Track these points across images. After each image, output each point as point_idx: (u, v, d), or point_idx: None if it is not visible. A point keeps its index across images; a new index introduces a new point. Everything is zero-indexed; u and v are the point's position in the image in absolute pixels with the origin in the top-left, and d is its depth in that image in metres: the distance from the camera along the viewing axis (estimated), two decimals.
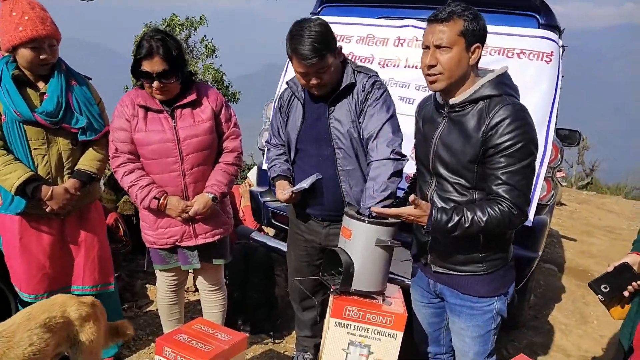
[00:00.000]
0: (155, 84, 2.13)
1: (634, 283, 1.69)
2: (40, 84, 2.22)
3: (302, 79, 2.04)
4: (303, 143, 2.20)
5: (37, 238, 2.29)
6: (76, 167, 2.30)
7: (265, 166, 2.38)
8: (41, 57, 2.12)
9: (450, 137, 1.71)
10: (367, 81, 2.08)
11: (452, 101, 1.70)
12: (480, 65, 2.63)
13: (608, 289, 1.73)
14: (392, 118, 2.09)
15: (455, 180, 1.72)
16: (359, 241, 1.86)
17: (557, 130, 4.14)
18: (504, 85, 1.68)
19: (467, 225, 1.61)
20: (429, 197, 1.82)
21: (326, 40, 1.94)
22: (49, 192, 2.19)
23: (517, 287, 2.72)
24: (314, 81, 2.00)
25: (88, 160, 2.32)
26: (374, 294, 1.91)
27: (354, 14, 3.27)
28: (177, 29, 9.57)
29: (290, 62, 2.07)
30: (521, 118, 1.59)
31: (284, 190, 2.16)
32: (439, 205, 1.75)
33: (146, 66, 2.10)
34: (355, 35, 3.19)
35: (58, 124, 2.20)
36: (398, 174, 2.03)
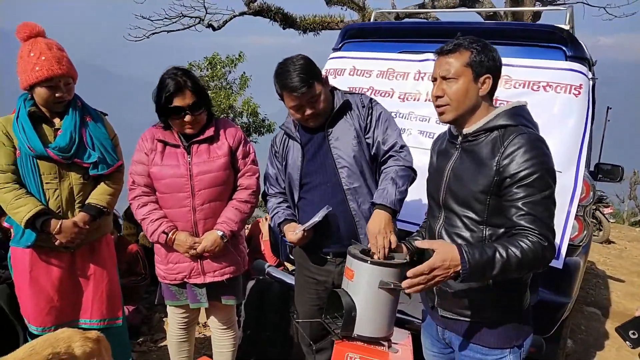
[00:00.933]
0: (187, 117, 2.17)
1: None
2: (56, 120, 2.30)
3: (296, 113, 2.05)
4: (307, 177, 2.17)
5: (47, 271, 2.32)
6: (87, 202, 2.35)
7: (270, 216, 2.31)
8: (57, 95, 2.21)
9: (463, 167, 1.62)
10: (361, 98, 2.15)
11: (465, 131, 1.64)
12: (504, 97, 2.58)
13: (637, 335, 1.56)
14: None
15: (464, 214, 1.61)
16: (362, 283, 1.76)
17: (599, 165, 3.95)
18: (520, 116, 1.60)
19: (504, 259, 1.41)
20: (436, 233, 1.71)
21: (311, 70, 2.00)
22: (58, 226, 2.23)
23: (547, 334, 2.54)
24: (308, 111, 2.02)
25: (98, 195, 2.37)
26: (379, 339, 1.79)
27: (375, 49, 3.26)
28: (219, 66, 9.98)
29: (283, 101, 2.09)
30: (538, 147, 1.50)
31: (294, 230, 2.08)
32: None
33: (177, 101, 2.15)
34: (375, 70, 3.17)
35: (70, 159, 2.26)
36: (412, 182, 2.07)
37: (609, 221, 8.05)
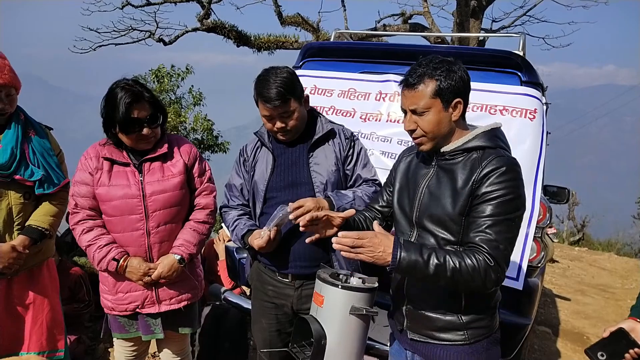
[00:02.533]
0: (145, 130, 2.02)
1: (631, 351, 1.56)
2: None
3: (267, 123, 2.04)
4: (273, 191, 2.08)
5: None
6: (27, 223, 2.15)
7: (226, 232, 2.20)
8: None
9: (439, 187, 1.60)
10: (344, 131, 2.16)
11: (443, 149, 1.62)
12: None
13: (605, 357, 1.60)
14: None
15: (440, 234, 1.58)
16: (332, 309, 1.68)
17: (545, 187, 4.10)
18: (497, 139, 1.61)
19: (439, 262, 1.43)
20: None
21: (291, 86, 1.97)
22: None
23: (509, 357, 2.54)
24: (278, 125, 2.00)
25: (40, 216, 2.17)
26: None
27: (336, 68, 3.24)
28: (166, 79, 9.72)
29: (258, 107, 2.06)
30: (513, 171, 1.51)
31: (259, 236, 1.94)
32: None
33: (136, 113, 1.98)
34: (336, 89, 3.15)
35: (9, 177, 2.07)
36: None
37: (552, 241, 8.41)
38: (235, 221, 2.14)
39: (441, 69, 1.54)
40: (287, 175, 2.07)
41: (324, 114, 3.10)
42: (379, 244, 1.46)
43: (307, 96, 2.11)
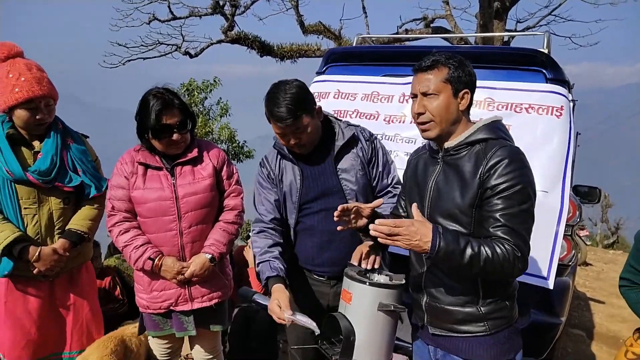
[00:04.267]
0: (175, 136, 2.10)
1: None
2: (36, 143, 2.21)
3: (281, 139, 2.01)
4: (308, 201, 2.09)
5: (24, 302, 2.19)
6: (67, 227, 2.24)
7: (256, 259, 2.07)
8: (37, 117, 2.13)
9: (447, 182, 1.62)
10: (362, 133, 2.14)
11: (447, 145, 1.64)
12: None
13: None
14: None
15: (451, 227, 1.60)
16: (360, 306, 1.70)
17: (576, 187, 4.03)
18: (499, 130, 1.63)
19: (473, 252, 1.45)
20: None
21: (301, 101, 1.92)
22: (37, 253, 2.11)
23: (541, 356, 2.51)
24: (292, 141, 1.97)
25: (79, 220, 2.26)
26: None
27: (359, 72, 3.29)
28: (196, 92, 9.99)
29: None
30: (518, 160, 1.52)
31: (282, 307, 1.81)
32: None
33: (166, 119, 2.07)
34: (360, 93, 3.19)
35: (50, 183, 2.17)
36: None
37: (585, 244, 8.20)
38: (263, 254, 2.01)
39: (453, 59, 1.60)
40: (317, 185, 2.08)
41: (348, 117, 3.16)
42: (415, 232, 1.46)
43: (320, 107, 2.05)
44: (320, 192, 2.08)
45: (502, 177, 1.50)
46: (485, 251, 1.46)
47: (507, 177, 1.49)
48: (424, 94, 1.61)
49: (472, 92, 1.63)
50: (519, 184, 1.49)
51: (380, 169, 2.14)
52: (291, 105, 1.89)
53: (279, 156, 2.13)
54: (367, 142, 2.11)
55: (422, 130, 1.66)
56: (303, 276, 2.19)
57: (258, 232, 2.09)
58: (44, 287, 2.25)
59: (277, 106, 1.90)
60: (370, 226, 1.49)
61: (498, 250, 1.46)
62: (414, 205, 1.59)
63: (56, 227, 2.23)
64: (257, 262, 2.05)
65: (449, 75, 1.58)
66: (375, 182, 2.15)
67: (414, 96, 1.66)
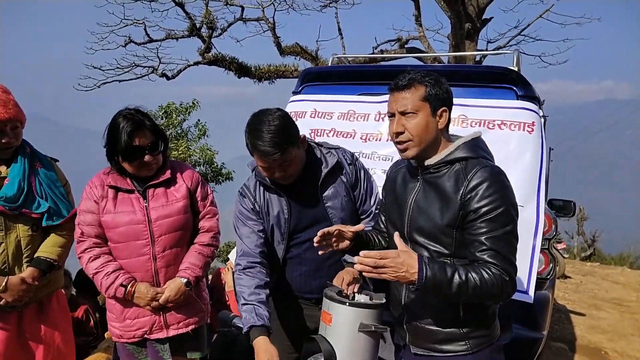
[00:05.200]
0: (147, 157, 2.05)
1: None
2: (2, 168, 2.14)
3: (265, 172, 1.93)
4: (297, 231, 2.05)
5: None
6: (36, 255, 2.16)
7: (239, 298, 1.97)
8: (3, 140, 2.06)
9: (427, 201, 1.61)
10: (344, 156, 2.10)
11: (427, 162, 1.63)
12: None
13: None
14: None
15: (432, 247, 1.59)
16: (341, 327, 1.68)
17: (551, 201, 4.09)
18: (479, 148, 1.63)
19: (461, 280, 1.43)
20: None
21: (287, 134, 1.84)
22: (4, 283, 2.02)
23: None
24: (277, 174, 1.90)
25: (49, 247, 2.18)
26: None
27: (335, 91, 3.30)
28: (174, 115, 9.92)
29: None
30: (499, 181, 1.52)
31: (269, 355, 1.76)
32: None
33: (137, 141, 2.02)
34: (336, 112, 3.20)
35: (17, 210, 2.09)
36: None
37: (563, 257, 8.32)
38: (250, 295, 1.90)
39: (430, 77, 1.59)
40: (305, 216, 2.03)
41: (325, 136, 3.16)
42: (402, 264, 1.44)
43: (304, 136, 1.98)
44: (309, 223, 2.04)
45: (484, 199, 1.48)
46: (473, 278, 1.44)
47: (489, 200, 1.48)
48: (402, 113, 1.58)
49: (450, 109, 1.62)
50: (502, 206, 1.48)
51: (363, 190, 2.11)
52: (277, 139, 1.79)
53: (262, 187, 2.05)
54: (350, 166, 2.08)
55: (401, 150, 1.63)
56: (290, 297, 2.14)
57: (244, 269, 1.98)
58: (12, 319, 2.15)
59: (262, 140, 1.80)
60: (356, 258, 1.45)
61: (486, 275, 1.45)
62: (396, 234, 1.57)
63: (24, 255, 2.14)
64: (241, 302, 1.93)
65: (427, 93, 1.57)
66: (359, 204, 2.13)
67: (391, 115, 1.63)
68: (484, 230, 1.49)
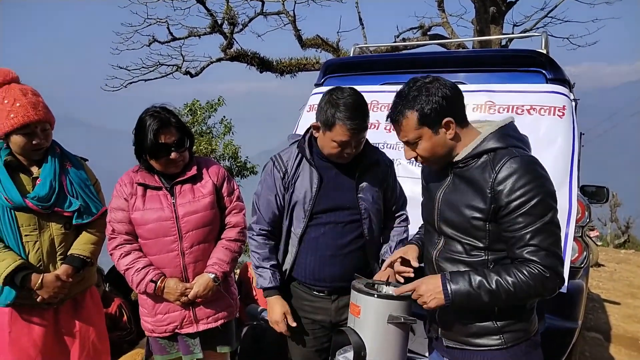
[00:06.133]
0: (173, 154, 2.07)
1: None
2: (34, 169, 2.19)
3: (335, 148, 1.92)
4: (317, 212, 2.04)
5: (28, 331, 2.15)
6: (69, 252, 2.21)
7: (253, 260, 2.13)
8: (33, 142, 2.11)
9: (455, 194, 1.58)
10: (383, 157, 2.16)
11: (455, 159, 1.59)
12: None
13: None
14: None
15: (465, 240, 1.55)
16: (370, 319, 1.66)
17: (583, 187, 3.97)
18: (509, 137, 1.56)
19: (491, 287, 1.42)
20: (434, 258, 1.66)
21: (367, 109, 1.94)
22: (39, 281, 2.08)
23: None
24: (349, 150, 1.94)
25: (81, 245, 2.23)
26: None
27: (357, 82, 3.26)
28: (199, 112, 10.05)
29: (324, 131, 1.93)
30: (531, 171, 1.45)
31: (281, 316, 2.04)
32: (448, 269, 1.59)
33: (163, 138, 2.04)
34: None
35: (50, 209, 2.14)
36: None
37: (596, 244, 8.10)
38: (264, 259, 2.08)
39: (419, 97, 1.51)
40: (332, 198, 2.03)
41: None
42: (427, 290, 1.51)
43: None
44: (334, 206, 2.04)
45: (515, 192, 1.43)
46: (505, 282, 1.43)
47: (522, 192, 1.42)
48: (407, 143, 1.60)
49: (454, 114, 1.54)
50: (536, 197, 1.41)
51: (390, 193, 2.15)
52: (364, 115, 1.91)
53: (299, 160, 2.06)
54: (387, 168, 2.13)
55: (426, 165, 1.68)
56: (300, 291, 2.13)
57: (258, 235, 2.10)
58: (48, 315, 2.21)
59: (353, 114, 1.87)
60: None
61: (521, 277, 1.41)
62: (412, 259, 1.72)
63: (58, 253, 2.20)
64: (256, 265, 2.10)
65: (420, 117, 1.51)
66: (388, 205, 2.16)
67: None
68: (521, 225, 1.43)
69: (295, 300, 2.15)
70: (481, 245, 1.53)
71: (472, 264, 1.54)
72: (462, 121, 1.58)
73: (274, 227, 2.11)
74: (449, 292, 1.46)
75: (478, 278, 1.44)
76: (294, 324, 2.04)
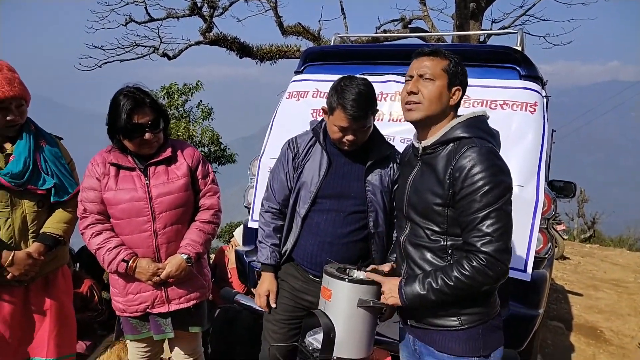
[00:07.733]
0: (147, 135, 2.06)
1: None
2: (7, 145, 2.15)
3: (337, 133, 1.99)
4: (322, 196, 2.07)
5: None
6: (41, 230, 2.19)
7: (253, 226, 2.22)
8: (8, 118, 2.07)
9: (421, 180, 1.66)
10: (396, 154, 2.15)
11: (423, 144, 1.67)
12: None
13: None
14: None
15: (426, 225, 1.63)
16: (340, 302, 1.71)
17: (551, 182, 4.09)
18: (477, 128, 1.62)
19: (437, 288, 1.54)
20: (401, 243, 1.74)
21: (372, 100, 1.97)
22: (10, 258, 2.06)
23: (520, 348, 2.54)
24: (349, 137, 1.98)
25: (54, 223, 2.21)
26: None
27: (337, 71, 3.26)
28: (176, 95, 9.88)
29: (327, 115, 2.03)
30: (487, 160, 1.51)
31: (265, 291, 2.17)
32: (412, 254, 1.68)
33: (137, 118, 2.03)
34: None
35: (23, 186, 2.11)
36: None
37: (563, 238, 8.36)
38: (267, 236, 2.18)
39: (454, 56, 1.66)
40: (338, 184, 2.06)
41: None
42: (388, 289, 1.66)
43: (377, 109, 2.07)
44: (339, 193, 2.07)
45: (469, 179, 1.50)
46: (447, 281, 1.53)
47: (475, 179, 1.49)
48: (421, 76, 1.64)
49: (463, 92, 1.68)
50: (487, 185, 1.49)
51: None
52: (364, 103, 1.92)
53: (312, 140, 2.13)
54: (396, 165, 2.11)
55: (407, 110, 1.67)
56: (297, 271, 2.17)
57: (266, 211, 2.20)
58: (19, 293, 2.19)
59: (353, 99, 1.91)
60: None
61: (464, 271, 1.50)
62: (386, 265, 1.85)
63: (30, 231, 2.17)
64: (259, 239, 2.21)
65: (448, 67, 1.63)
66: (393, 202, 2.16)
67: (408, 78, 1.69)
68: (471, 210, 1.51)
69: (290, 277, 2.19)
70: (439, 230, 1.60)
71: (433, 249, 1.62)
72: (458, 106, 1.68)
73: (283, 207, 2.18)
74: (403, 296, 1.59)
75: (427, 280, 1.56)
76: (273, 305, 2.13)
